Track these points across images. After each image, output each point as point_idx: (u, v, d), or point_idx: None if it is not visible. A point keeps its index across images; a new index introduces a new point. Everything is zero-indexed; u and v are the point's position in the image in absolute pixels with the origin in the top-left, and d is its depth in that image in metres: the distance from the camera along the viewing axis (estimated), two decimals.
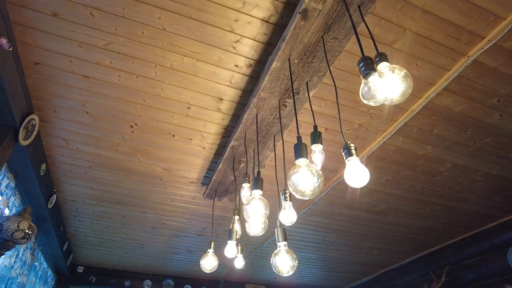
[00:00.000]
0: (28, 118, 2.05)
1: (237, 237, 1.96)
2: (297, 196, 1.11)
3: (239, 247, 2.12)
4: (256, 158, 2.17)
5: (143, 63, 1.84)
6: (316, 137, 1.37)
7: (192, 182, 2.81)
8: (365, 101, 0.92)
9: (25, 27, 1.67)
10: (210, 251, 2.19)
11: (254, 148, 2.12)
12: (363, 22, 1.40)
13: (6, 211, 2.45)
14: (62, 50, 1.77)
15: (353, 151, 0.99)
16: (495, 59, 1.80)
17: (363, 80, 0.93)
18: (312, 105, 1.70)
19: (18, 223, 1.84)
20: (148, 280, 4.83)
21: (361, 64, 0.93)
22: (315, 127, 1.42)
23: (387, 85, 0.93)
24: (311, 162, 1.35)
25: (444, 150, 2.48)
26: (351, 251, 4.21)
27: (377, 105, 0.91)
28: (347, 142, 1.03)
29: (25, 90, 1.97)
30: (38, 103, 2.10)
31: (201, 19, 1.62)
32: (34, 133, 2.17)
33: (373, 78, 0.90)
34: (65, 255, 3.95)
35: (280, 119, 1.81)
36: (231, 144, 2.09)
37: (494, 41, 1.68)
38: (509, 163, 2.60)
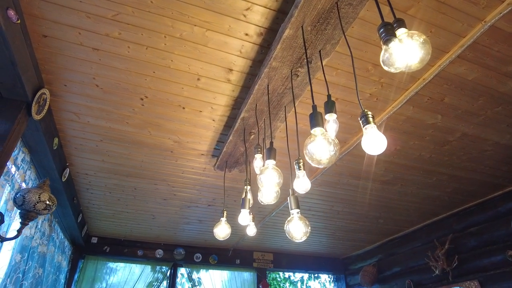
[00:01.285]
0: (39, 93, 2.05)
1: (250, 206, 2.01)
2: (313, 164, 1.13)
3: (251, 215, 2.18)
4: (267, 129, 2.18)
5: (152, 33, 1.81)
6: (330, 106, 1.38)
7: (202, 154, 2.85)
8: (386, 68, 0.91)
9: None
10: (223, 219, 2.25)
11: (264, 119, 2.13)
12: None
13: (23, 185, 2.52)
14: (70, 21, 1.75)
15: (371, 119, 1.00)
16: None
17: (383, 46, 0.92)
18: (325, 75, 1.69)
19: (39, 195, 1.90)
20: (159, 250, 5.02)
21: (381, 30, 0.91)
22: (329, 96, 1.42)
23: (407, 51, 0.92)
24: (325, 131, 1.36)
25: (454, 119, 2.47)
26: (357, 220, 4.31)
27: (397, 71, 0.90)
28: (364, 110, 1.03)
29: (35, 64, 1.96)
30: (48, 77, 2.10)
31: None
32: (46, 107, 2.19)
33: (394, 44, 0.88)
34: (80, 226, 4.09)
35: (292, 89, 1.81)
36: (241, 116, 2.10)
37: None
38: None
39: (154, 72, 2.04)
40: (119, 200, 3.71)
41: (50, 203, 1.93)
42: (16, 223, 2.30)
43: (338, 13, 1.44)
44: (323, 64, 1.69)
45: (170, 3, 1.66)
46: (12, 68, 1.77)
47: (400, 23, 1.03)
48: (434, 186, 3.43)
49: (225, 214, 2.28)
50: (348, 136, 2.64)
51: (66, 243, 4.20)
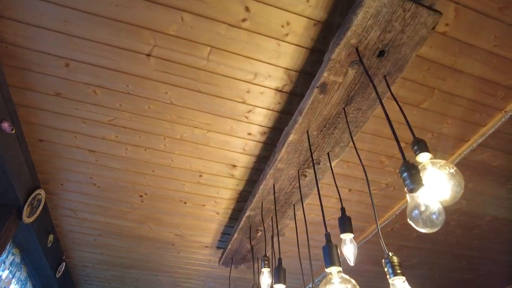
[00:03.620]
0: (34, 194, 1.95)
1: None
2: None
3: None
4: (275, 226, 1.98)
5: (151, 136, 1.73)
6: (345, 224, 1.19)
7: (206, 246, 2.63)
8: (414, 225, 0.74)
9: (29, 108, 1.61)
10: None
11: (272, 216, 1.95)
12: (389, 92, 1.26)
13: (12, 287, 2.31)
14: (66, 127, 1.69)
15: (398, 269, 0.80)
16: None
17: (409, 195, 0.76)
18: (334, 169, 1.54)
19: None
20: None
21: (405, 174, 0.76)
22: (343, 209, 1.24)
23: (437, 195, 0.76)
24: (341, 255, 1.17)
25: (481, 204, 2.24)
26: None
27: (432, 231, 0.73)
28: (389, 255, 0.84)
29: (30, 167, 1.88)
30: (44, 177, 2.01)
31: (210, 92, 1.52)
32: (40, 207, 2.06)
33: (422, 193, 0.72)
34: None
35: (300, 189, 1.65)
36: (246, 214, 1.92)
37: None
38: None
39: (153, 171, 1.93)
40: None
41: None
42: None
43: (346, 118, 1.33)
44: (333, 165, 1.55)
45: (168, 108, 1.59)
46: (4, 176, 1.69)
47: (421, 146, 0.88)
48: (465, 269, 3.07)
49: None
50: (366, 225, 2.41)
51: None
